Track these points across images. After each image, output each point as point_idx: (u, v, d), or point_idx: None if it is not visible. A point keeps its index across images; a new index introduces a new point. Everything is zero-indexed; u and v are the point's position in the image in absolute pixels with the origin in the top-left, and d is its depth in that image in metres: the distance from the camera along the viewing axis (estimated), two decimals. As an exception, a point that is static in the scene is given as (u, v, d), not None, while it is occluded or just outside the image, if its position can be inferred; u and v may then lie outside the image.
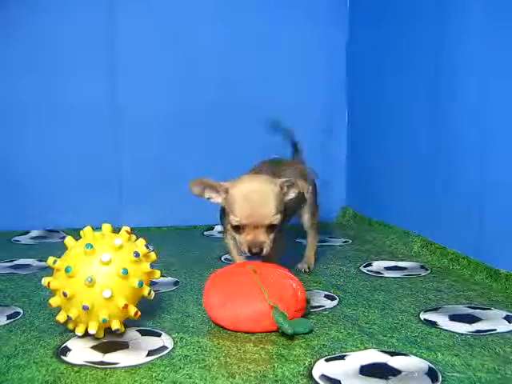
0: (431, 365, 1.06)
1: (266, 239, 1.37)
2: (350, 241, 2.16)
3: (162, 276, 1.30)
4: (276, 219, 1.37)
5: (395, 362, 1.07)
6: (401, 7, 2.07)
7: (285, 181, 1.43)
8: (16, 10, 2.23)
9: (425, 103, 1.93)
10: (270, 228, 1.38)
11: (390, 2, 2.16)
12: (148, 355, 1.10)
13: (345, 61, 2.52)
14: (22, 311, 1.36)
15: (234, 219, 1.37)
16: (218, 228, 2.20)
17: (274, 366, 1.06)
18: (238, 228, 1.38)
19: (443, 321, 1.30)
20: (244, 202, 1.37)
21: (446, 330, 1.24)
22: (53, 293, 1.17)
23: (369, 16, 2.34)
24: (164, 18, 2.34)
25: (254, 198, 1.37)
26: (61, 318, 1.15)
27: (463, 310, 1.38)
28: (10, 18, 2.23)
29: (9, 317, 1.32)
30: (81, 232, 1.22)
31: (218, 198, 1.43)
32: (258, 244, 1.36)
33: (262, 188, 1.39)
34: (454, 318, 1.31)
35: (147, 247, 1.23)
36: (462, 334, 1.21)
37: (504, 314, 1.34)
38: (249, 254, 1.39)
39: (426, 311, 1.37)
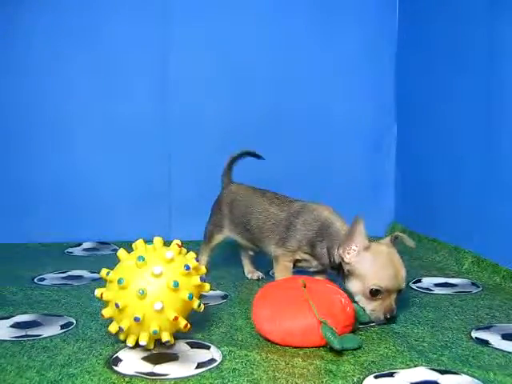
0: (483, 384, 1.04)
1: (395, 303, 1.37)
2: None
3: (211, 289, 1.31)
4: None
5: (446, 380, 1.06)
6: (450, 28, 2.06)
7: (393, 239, 1.44)
8: (76, 42, 2.32)
9: (476, 118, 1.90)
10: (399, 292, 1.39)
11: (439, 20, 2.15)
12: (197, 367, 1.11)
13: (394, 77, 2.50)
14: (74, 321, 1.39)
15: (377, 284, 1.34)
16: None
17: (322, 382, 1.06)
18: (376, 293, 1.35)
19: (496, 340, 1.27)
20: (389, 267, 1.36)
21: (499, 350, 1.21)
22: (105, 304, 1.19)
23: (418, 34, 2.33)
24: (216, 38, 2.38)
25: (396, 262, 1.38)
26: (112, 328, 1.18)
27: (516, 329, 1.35)
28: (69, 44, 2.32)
29: (62, 326, 1.35)
30: (133, 245, 1.24)
31: (354, 255, 1.39)
32: (394, 309, 1.37)
33: (396, 252, 1.40)
34: (507, 337, 1.29)
35: (197, 260, 1.25)
36: (516, 354, 1.19)
37: (559, 333, 1.31)
38: (382, 319, 1.37)
39: (477, 329, 1.34)
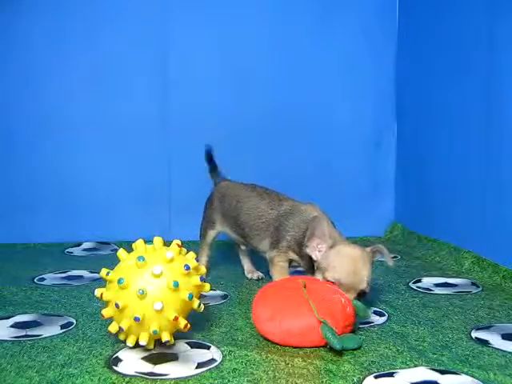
0: (483, 384, 1.04)
1: None
2: (399, 256, 2.14)
3: (211, 289, 1.31)
4: (368, 287, 1.40)
5: (445, 380, 1.06)
6: (450, 28, 2.06)
7: (374, 251, 1.46)
8: (76, 42, 2.32)
9: (476, 118, 1.90)
10: (361, 294, 1.40)
11: (439, 21, 2.15)
12: (197, 367, 1.11)
13: (394, 75, 2.50)
14: (74, 321, 1.39)
15: (333, 276, 1.39)
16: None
17: (322, 382, 1.06)
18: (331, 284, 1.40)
19: (496, 340, 1.27)
20: (348, 263, 1.40)
21: (499, 349, 1.21)
22: (105, 304, 1.19)
23: (418, 34, 2.33)
24: (216, 38, 2.38)
25: (357, 261, 1.40)
26: (112, 328, 1.18)
27: (516, 329, 1.35)
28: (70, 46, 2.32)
29: (62, 326, 1.35)
30: (133, 245, 1.24)
31: (315, 251, 1.46)
32: None
33: (363, 255, 1.42)
34: (507, 337, 1.29)
35: (197, 260, 1.25)
36: (516, 354, 1.19)
37: (559, 333, 1.30)
38: None
39: (477, 329, 1.34)
